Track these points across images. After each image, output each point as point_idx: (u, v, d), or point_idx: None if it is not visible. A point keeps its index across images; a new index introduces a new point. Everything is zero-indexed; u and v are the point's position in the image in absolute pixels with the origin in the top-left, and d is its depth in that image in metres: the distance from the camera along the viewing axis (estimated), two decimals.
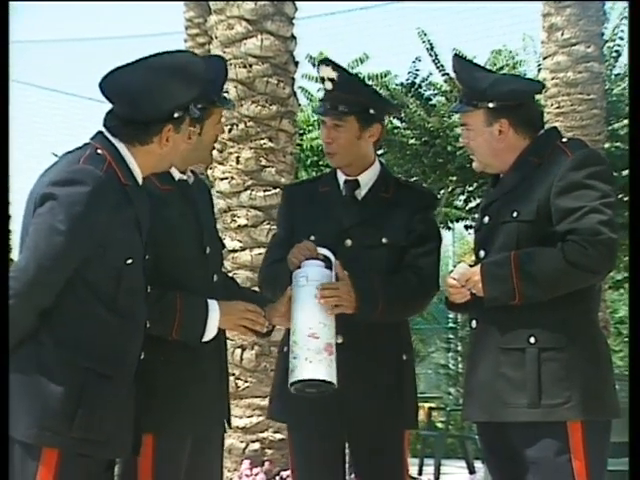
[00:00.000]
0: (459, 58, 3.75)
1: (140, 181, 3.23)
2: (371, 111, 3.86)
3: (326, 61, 3.89)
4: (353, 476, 3.92)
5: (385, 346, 3.80)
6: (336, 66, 3.86)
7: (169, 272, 3.45)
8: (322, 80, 3.88)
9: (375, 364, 3.77)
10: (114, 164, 3.15)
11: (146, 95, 3.15)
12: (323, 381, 3.50)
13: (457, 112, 3.71)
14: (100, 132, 3.22)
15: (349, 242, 3.81)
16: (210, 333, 3.48)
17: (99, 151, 3.15)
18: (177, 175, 3.56)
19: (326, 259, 3.68)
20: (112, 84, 3.18)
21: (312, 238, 3.77)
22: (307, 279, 3.59)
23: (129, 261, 3.13)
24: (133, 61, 3.21)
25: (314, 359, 3.48)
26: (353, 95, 3.84)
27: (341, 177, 3.93)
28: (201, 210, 3.61)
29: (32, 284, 3.01)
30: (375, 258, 3.78)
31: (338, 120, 3.84)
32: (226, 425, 3.63)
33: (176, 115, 3.20)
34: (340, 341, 3.66)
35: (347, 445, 3.87)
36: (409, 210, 3.85)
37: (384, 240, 3.80)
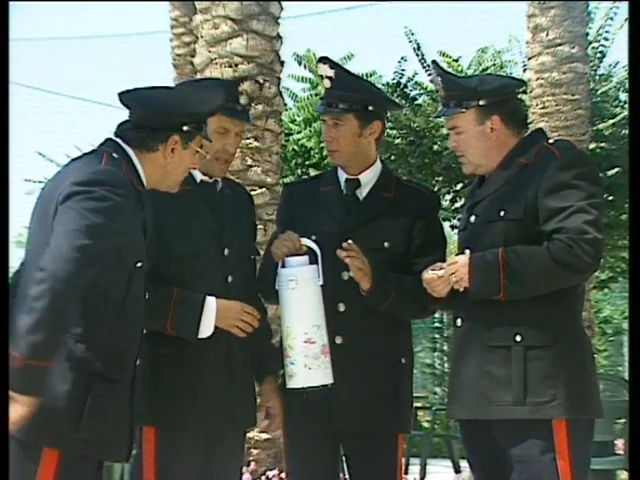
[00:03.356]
0: (438, 66, 3.76)
1: (147, 188, 3.26)
2: (370, 108, 3.84)
3: (324, 59, 3.87)
4: (347, 477, 3.90)
5: (383, 348, 3.77)
6: (334, 64, 3.85)
7: (173, 268, 3.51)
8: (321, 78, 3.89)
9: (372, 366, 3.75)
10: (127, 168, 3.17)
11: (160, 101, 3.22)
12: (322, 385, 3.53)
13: (446, 115, 3.66)
14: (109, 139, 3.25)
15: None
16: (206, 330, 3.50)
17: (115, 155, 3.17)
18: (199, 177, 3.64)
19: (310, 251, 3.65)
20: (132, 92, 3.24)
21: (313, 238, 3.73)
22: (297, 282, 3.55)
23: (139, 264, 3.15)
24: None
25: (312, 365, 3.50)
26: (351, 92, 3.82)
27: (342, 176, 3.90)
28: (227, 213, 3.65)
29: (63, 283, 2.89)
30: (377, 260, 3.74)
31: (337, 119, 3.82)
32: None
33: (185, 128, 3.23)
34: (339, 342, 3.68)
35: (341, 447, 3.84)
36: (411, 213, 3.83)
37: (386, 244, 3.79)
